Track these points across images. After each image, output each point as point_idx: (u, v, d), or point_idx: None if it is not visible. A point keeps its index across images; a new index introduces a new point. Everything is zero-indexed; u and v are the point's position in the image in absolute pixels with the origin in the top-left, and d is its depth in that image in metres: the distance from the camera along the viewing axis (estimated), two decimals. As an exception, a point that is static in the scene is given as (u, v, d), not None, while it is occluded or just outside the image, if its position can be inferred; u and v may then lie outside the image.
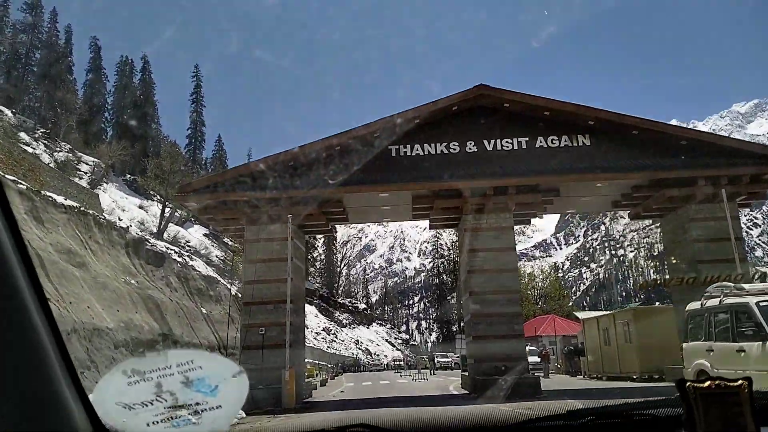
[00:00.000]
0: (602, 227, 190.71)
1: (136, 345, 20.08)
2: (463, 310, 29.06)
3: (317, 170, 17.17)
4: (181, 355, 1.24)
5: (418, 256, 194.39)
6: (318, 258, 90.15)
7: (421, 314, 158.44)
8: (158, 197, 49.47)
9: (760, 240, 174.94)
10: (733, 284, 10.92)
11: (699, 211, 18.76)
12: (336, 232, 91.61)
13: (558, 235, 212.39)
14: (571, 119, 19.11)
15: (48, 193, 22.51)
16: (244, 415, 12.59)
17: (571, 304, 74.50)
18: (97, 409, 1.22)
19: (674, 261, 20.40)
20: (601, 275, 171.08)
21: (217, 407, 1.22)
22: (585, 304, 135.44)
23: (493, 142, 19.12)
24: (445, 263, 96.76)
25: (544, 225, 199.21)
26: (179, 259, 35.02)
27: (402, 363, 59.28)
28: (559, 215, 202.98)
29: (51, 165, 37.69)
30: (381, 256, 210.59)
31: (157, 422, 1.19)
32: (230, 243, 49.11)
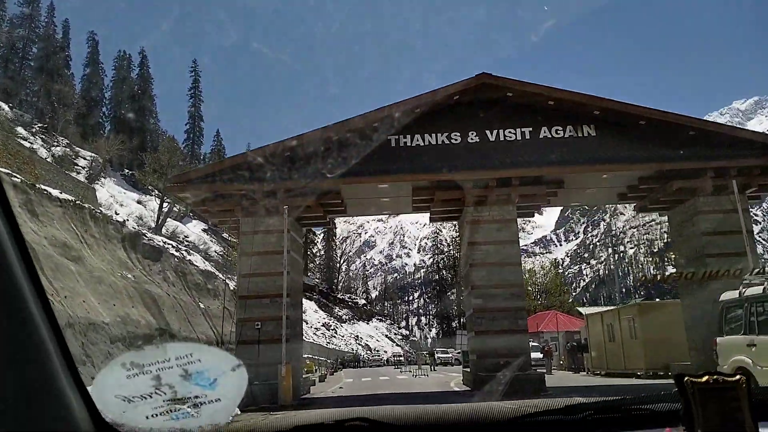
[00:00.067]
0: (602, 224, 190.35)
1: (133, 340, 19.88)
2: (464, 306, 28.66)
3: (315, 161, 16.67)
4: (180, 348, 1.23)
5: (418, 252, 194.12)
6: (318, 254, 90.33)
7: (420, 310, 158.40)
8: (156, 192, 49.12)
9: (760, 237, 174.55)
10: None
11: (707, 203, 18.26)
12: (335, 227, 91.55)
13: (558, 231, 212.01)
14: (576, 109, 18.59)
15: (43, 187, 22.24)
16: (238, 412, 12.18)
17: (571, 300, 74.25)
18: (97, 402, 1.21)
19: (680, 255, 19.95)
20: (601, 272, 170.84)
21: (216, 400, 1.22)
22: (585, 301, 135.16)
23: (495, 132, 18.63)
24: (445, 259, 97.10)
25: (544, 221, 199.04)
26: (177, 254, 34.71)
27: (402, 359, 59.13)
28: (559, 211, 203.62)
29: (48, 160, 37.40)
30: (381, 252, 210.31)
31: (157, 415, 1.19)
32: (229, 238, 48.73)
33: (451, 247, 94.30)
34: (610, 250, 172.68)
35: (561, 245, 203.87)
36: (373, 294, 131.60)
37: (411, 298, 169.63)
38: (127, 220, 34.62)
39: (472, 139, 18.68)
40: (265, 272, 17.66)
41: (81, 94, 62.09)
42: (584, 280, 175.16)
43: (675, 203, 19.96)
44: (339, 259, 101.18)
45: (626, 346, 23.75)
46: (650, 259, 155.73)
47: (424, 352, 56.57)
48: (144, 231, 34.76)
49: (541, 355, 28.55)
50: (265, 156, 17.24)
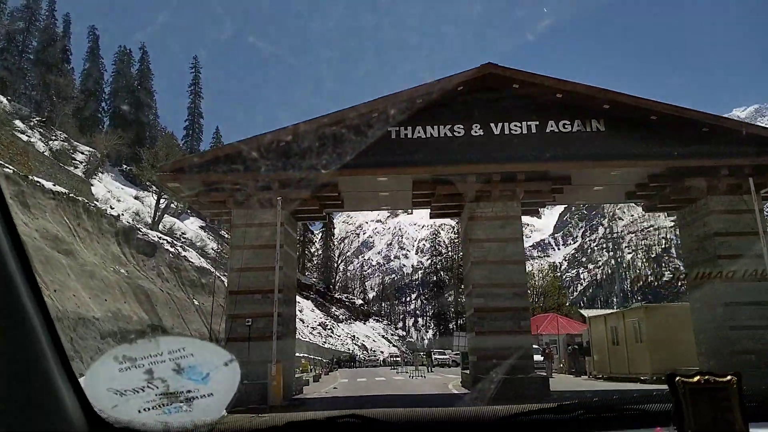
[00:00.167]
0: (600, 228, 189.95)
1: (124, 335, 19.43)
2: (465, 305, 28.00)
3: (311, 152, 15.94)
4: (172, 342, 1.23)
5: (416, 254, 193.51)
6: (315, 253, 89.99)
7: (418, 311, 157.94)
8: (154, 188, 48.62)
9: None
10: None
11: (720, 203, 17.52)
12: (334, 227, 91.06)
13: (556, 235, 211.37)
14: (585, 103, 17.88)
15: (36, 178, 21.75)
16: (225, 413, 11.50)
17: (568, 303, 73.96)
18: (89, 396, 1.19)
19: (690, 256, 19.26)
20: (598, 275, 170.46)
21: (208, 395, 1.21)
22: (582, 304, 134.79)
23: (500, 125, 17.90)
24: (443, 261, 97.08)
25: (543, 225, 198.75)
26: (172, 250, 34.16)
27: (398, 359, 58.62)
28: (558, 215, 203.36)
29: (46, 153, 36.87)
30: (379, 252, 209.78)
31: (149, 409, 1.18)
32: (226, 235, 48.25)
33: (450, 249, 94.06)
34: (608, 254, 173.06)
35: (559, 249, 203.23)
36: (371, 294, 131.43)
37: (408, 299, 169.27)
38: (122, 214, 34.15)
39: (475, 132, 17.96)
40: (257, 267, 16.92)
41: (80, 88, 61.57)
42: (581, 284, 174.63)
43: (686, 202, 19.22)
44: (337, 258, 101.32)
45: (631, 350, 23.06)
46: (647, 264, 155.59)
47: (421, 353, 56.07)
48: (139, 226, 34.25)
49: (541, 358, 27.92)
50: (259, 146, 16.50)
